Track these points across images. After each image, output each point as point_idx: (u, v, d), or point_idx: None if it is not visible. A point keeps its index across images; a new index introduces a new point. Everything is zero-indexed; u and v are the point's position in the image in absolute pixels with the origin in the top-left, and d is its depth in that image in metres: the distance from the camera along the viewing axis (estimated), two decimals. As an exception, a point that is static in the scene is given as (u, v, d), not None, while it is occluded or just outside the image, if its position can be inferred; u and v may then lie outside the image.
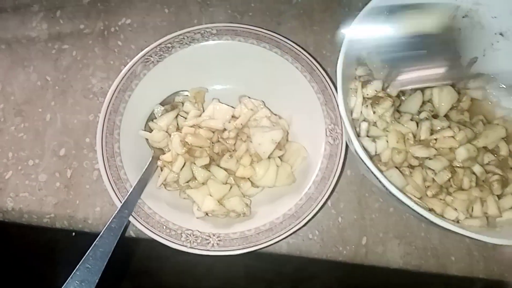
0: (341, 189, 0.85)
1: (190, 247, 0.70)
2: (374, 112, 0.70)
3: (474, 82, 0.85)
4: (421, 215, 0.59)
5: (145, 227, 0.72)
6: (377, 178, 0.62)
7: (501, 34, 0.82)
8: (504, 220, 0.71)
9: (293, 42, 0.86)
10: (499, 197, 0.73)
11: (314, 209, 0.73)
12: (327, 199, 0.74)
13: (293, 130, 0.86)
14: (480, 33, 0.83)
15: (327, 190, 0.74)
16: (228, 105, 0.83)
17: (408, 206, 0.60)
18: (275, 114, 0.85)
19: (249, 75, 0.87)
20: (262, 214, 0.76)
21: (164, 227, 0.72)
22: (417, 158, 0.71)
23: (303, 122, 0.85)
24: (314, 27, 1.00)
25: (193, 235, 0.72)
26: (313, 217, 0.74)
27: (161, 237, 0.71)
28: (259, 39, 0.85)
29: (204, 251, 0.70)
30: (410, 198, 0.65)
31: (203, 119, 0.79)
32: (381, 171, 0.68)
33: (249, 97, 0.85)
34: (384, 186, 0.61)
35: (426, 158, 0.71)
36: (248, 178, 0.79)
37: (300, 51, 0.84)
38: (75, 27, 1.00)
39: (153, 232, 0.72)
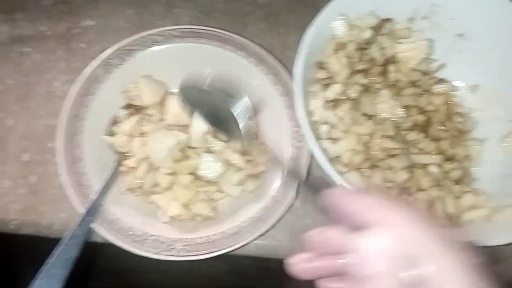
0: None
1: (155, 253, 0.70)
2: (334, 115, 0.71)
3: (438, 85, 0.87)
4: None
5: (109, 234, 0.71)
6: (335, 181, 0.63)
7: (460, 35, 0.84)
8: (467, 220, 0.73)
9: (258, 44, 0.86)
10: (460, 196, 0.75)
11: (280, 211, 0.73)
12: (294, 201, 0.75)
13: (260, 133, 0.86)
14: (440, 34, 0.85)
15: (292, 193, 0.75)
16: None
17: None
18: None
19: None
20: (229, 218, 0.76)
21: (129, 233, 0.72)
22: (382, 154, 0.72)
23: (268, 125, 0.85)
24: (280, 28, 1.00)
25: (159, 240, 0.72)
26: (280, 219, 0.74)
27: (125, 243, 0.70)
28: (223, 41, 0.85)
29: (170, 256, 0.70)
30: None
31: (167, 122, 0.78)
32: (341, 173, 0.70)
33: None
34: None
35: (390, 156, 0.72)
36: (214, 183, 0.79)
37: (265, 54, 0.84)
38: (37, 29, 0.98)
39: (118, 239, 0.71)
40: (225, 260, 0.80)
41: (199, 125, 0.75)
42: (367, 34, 0.77)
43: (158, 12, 1.00)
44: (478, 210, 0.72)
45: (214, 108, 0.72)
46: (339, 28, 0.75)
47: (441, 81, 0.87)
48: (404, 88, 0.81)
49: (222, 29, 0.87)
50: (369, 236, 0.39)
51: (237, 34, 0.96)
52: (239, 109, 0.69)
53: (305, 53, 0.71)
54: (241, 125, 0.69)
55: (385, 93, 0.79)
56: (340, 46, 0.75)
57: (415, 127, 0.80)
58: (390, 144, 0.71)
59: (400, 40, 0.84)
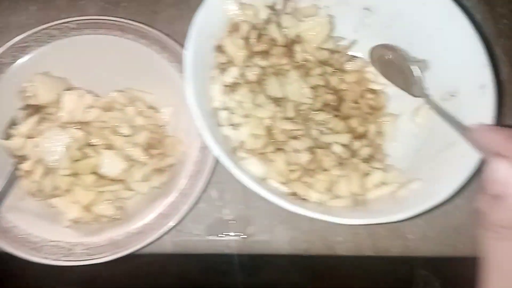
0: (227, 179, 0.83)
1: (54, 260, 0.66)
2: (231, 100, 0.68)
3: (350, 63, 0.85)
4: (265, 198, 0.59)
5: (4, 242, 0.67)
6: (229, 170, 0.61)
7: (367, 9, 0.82)
8: (373, 198, 0.72)
9: (168, 33, 0.82)
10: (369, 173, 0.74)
11: (187, 205, 0.71)
12: (201, 194, 0.72)
13: (171, 124, 0.83)
14: (347, 9, 0.83)
15: (200, 185, 0.72)
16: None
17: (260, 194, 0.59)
18: (151, 108, 0.82)
19: (117, 69, 0.82)
20: (137, 216, 0.73)
21: (25, 240, 0.68)
22: (283, 135, 0.70)
23: (178, 116, 0.82)
24: (192, 14, 0.94)
25: (58, 246, 0.68)
26: (188, 213, 0.71)
27: (21, 251, 0.67)
28: (124, 30, 0.81)
29: (69, 262, 0.67)
30: (266, 187, 0.64)
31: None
32: (242, 159, 0.67)
33: (121, 91, 0.81)
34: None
35: (292, 138, 0.70)
36: (123, 179, 0.75)
37: (168, 41, 0.80)
38: None
39: (13, 247, 0.67)
40: (140, 261, 0.77)
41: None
42: (264, 13, 0.74)
43: (62, 6, 0.95)
44: (385, 187, 0.71)
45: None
46: (232, 8, 0.71)
47: (353, 58, 0.85)
48: (313, 68, 0.79)
49: (123, 18, 0.82)
50: None
51: (146, 23, 0.92)
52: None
53: (196, 37, 0.68)
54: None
55: (292, 74, 0.76)
56: (235, 28, 0.71)
57: (325, 107, 0.78)
58: (289, 125, 0.68)
59: (305, 19, 0.81)
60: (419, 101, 0.80)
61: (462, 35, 0.72)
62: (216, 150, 0.61)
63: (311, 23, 0.78)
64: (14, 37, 0.87)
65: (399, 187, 0.70)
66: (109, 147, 0.74)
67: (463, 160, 0.66)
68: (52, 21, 0.91)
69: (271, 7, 0.75)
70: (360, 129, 0.77)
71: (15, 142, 0.73)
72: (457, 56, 0.74)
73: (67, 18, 0.92)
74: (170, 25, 0.95)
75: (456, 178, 0.64)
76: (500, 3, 0.99)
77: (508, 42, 0.96)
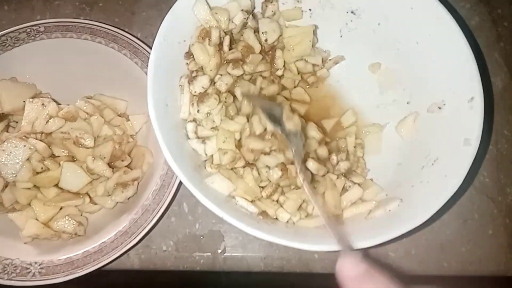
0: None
1: (7, 279, 0.63)
2: (198, 111, 0.64)
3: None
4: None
5: (-44, 261, 0.64)
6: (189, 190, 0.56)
7: (352, 12, 0.77)
8: (349, 217, 0.67)
9: (135, 36, 0.77)
10: (346, 189, 0.69)
11: (150, 222, 0.67)
12: (166, 210, 0.68)
13: (142, 132, 0.79)
14: (332, 12, 0.78)
15: (165, 200, 0.68)
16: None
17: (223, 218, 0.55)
18: (120, 115, 0.78)
19: (88, 74, 0.78)
20: (99, 233, 0.69)
21: (-21, 258, 0.65)
22: (252, 153, 0.65)
23: (150, 124, 0.77)
24: (172, 15, 0.91)
25: (12, 264, 0.65)
26: (150, 231, 0.67)
27: (-26, 270, 0.63)
28: (94, 33, 0.77)
29: (23, 281, 0.63)
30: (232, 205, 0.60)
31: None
32: (209, 175, 0.63)
33: (88, 98, 0.77)
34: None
35: (262, 154, 0.65)
36: (87, 194, 0.71)
37: (139, 45, 0.76)
38: None
39: (-35, 265, 0.64)
40: (105, 278, 0.73)
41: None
42: (239, 18, 0.69)
43: (37, 6, 0.91)
44: (362, 205, 0.66)
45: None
46: (200, 12, 0.66)
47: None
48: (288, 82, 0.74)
49: (95, 21, 0.78)
50: None
51: (123, 24, 0.89)
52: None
53: (162, 43, 0.64)
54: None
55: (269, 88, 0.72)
56: (206, 34, 0.67)
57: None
58: (255, 144, 0.63)
59: (287, 23, 0.76)
60: (406, 109, 0.75)
61: (451, 43, 0.67)
62: (175, 168, 0.57)
63: (295, 31, 0.73)
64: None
65: (376, 206, 0.65)
66: (72, 159, 0.70)
67: (445, 180, 0.61)
68: (25, 22, 0.88)
69: (248, 11, 0.69)
70: (341, 143, 0.72)
71: (-24, 152, 0.70)
72: (445, 65, 0.68)
73: (41, 19, 0.89)
74: (148, 26, 0.91)
75: (436, 200, 0.59)
76: (501, 4, 0.92)
77: (507, 47, 0.89)
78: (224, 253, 0.76)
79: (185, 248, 0.76)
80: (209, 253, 0.76)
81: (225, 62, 0.68)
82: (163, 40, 0.63)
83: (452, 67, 0.67)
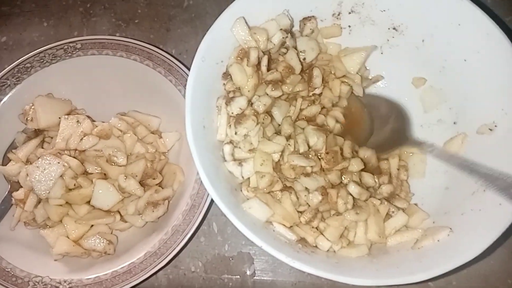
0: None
1: (37, 298, 0.62)
2: (236, 133, 0.61)
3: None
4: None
5: (-12, 277, 0.63)
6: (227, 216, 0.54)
7: (394, 29, 0.73)
8: (394, 245, 0.63)
9: (169, 53, 0.77)
10: (390, 215, 0.65)
11: (179, 243, 0.65)
12: (196, 230, 0.66)
13: (174, 150, 0.77)
14: (373, 29, 0.75)
15: (196, 220, 0.66)
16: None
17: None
18: (153, 132, 0.77)
19: (122, 91, 0.78)
20: (129, 252, 0.67)
21: (10, 274, 0.64)
22: (293, 171, 0.62)
23: (181, 142, 0.76)
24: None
25: (42, 282, 0.64)
26: (180, 251, 0.65)
27: (4, 286, 0.63)
28: (129, 51, 0.77)
29: (52, 301, 0.62)
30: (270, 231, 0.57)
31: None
32: (246, 199, 0.61)
33: (122, 115, 0.77)
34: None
35: (302, 174, 0.62)
36: (118, 211, 0.70)
37: (174, 63, 0.75)
38: None
39: (-3, 282, 0.63)
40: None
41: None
42: (277, 37, 0.67)
43: (75, 23, 0.93)
44: (407, 233, 0.61)
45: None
46: (239, 33, 0.65)
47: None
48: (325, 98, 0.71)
49: (130, 38, 0.78)
50: None
51: (158, 41, 0.89)
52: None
53: (201, 64, 0.62)
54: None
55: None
56: (244, 54, 0.65)
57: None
58: (299, 161, 0.60)
59: (327, 41, 0.74)
60: (453, 130, 0.70)
61: (502, 60, 0.62)
62: (213, 192, 0.54)
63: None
64: (24, 54, 0.86)
65: (424, 235, 0.60)
66: (104, 176, 0.69)
67: (499, 208, 0.56)
68: (64, 38, 0.89)
69: (287, 30, 0.67)
70: (383, 165, 0.68)
71: (11, 168, 0.70)
72: (496, 84, 0.63)
73: (78, 35, 0.91)
74: (183, 43, 0.90)
75: (491, 231, 0.54)
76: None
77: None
78: (254, 276, 0.73)
79: (214, 269, 0.73)
80: (238, 276, 0.73)
81: (262, 82, 0.66)
82: (201, 62, 0.61)
83: (504, 86, 0.62)
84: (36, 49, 0.85)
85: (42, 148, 0.74)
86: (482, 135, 0.65)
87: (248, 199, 0.61)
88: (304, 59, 0.70)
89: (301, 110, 0.68)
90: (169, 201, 0.70)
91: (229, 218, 0.53)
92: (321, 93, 0.70)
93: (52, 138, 0.75)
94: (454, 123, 0.71)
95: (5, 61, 0.90)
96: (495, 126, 0.63)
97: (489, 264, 0.72)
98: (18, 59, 0.86)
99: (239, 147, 0.63)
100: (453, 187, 0.67)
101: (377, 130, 0.72)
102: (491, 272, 0.72)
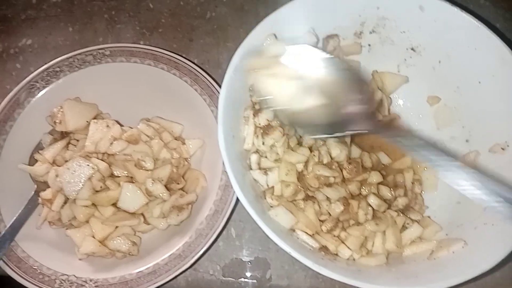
0: (247, 218, 0.77)
1: (63, 295, 0.64)
2: (263, 143, 0.64)
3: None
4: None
5: (15, 273, 0.65)
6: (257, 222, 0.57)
7: (413, 49, 0.77)
8: (410, 255, 0.65)
9: (194, 63, 0.79)
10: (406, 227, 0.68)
11: (203, 247, 0.67)
12: (219, 235, 0.68)
13: (196, 156, 0.80)
14: (392, 48, 0.78)
15: (219, 225, 0.68)
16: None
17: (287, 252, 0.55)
18: (177, 139, 0.79)
19: (147, 97, 0.81)
20: (152, 254, 0.69)
21: (37, 272, 0.66)
22: (317, 181, 0.65)
23: (204, 148, 0.79)
24: (228, 43, 0.94)
25: (68, 280, 0.66)
26: (203, 254, 0.68)
27: (32, 283, 0.65)
28: (156, 60, 0.79)
29: (78, 299, 0.64)
30: (295, 238, 0.60)
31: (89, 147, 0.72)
32: (271, 207, 0.63)
33: (147, 120, 0.79)
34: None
35: (324, 185, 0.65)
36: (142, 214, 0.72)
37: (200, 73, 0.78)
38: (-27, 50, 0.93)
39: (24, 278, 0.65)
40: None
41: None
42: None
43: (100, 29, 0.95)
44: (422, 244, 0.64)
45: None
46: (272, 48, 0.68)
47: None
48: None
49: (157, 47, 0.81)
50: None
51: (181, 50, 0.91)
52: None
53: (231, 76, 0.65)
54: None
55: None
56: (274, 68, 0.68)
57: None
58: (324, 171, 0.63)
59: (347, 58, 0.77)
60: (465, 147, 0.74)
61: (517, 84, 0.66)
62: (243, 199, 0.57)
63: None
64: (49, 58, 0.88)
65: (439, 246, 0.63)
66: (130, 180, 0.71)
67: (512, 224, 0.59)
68: (88, 43, 0.92)
69: (312, 46, 0.70)
70: (398, 178, 0.71)
71: (38, 169, 0.72)
72: (509, 105, 0.67)
73: (103, 41, 0.93)
74: (205, 53, 0.93)
75: (504, 245, 0.57)
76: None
77: None
78: (270, 281, 0.75)
79: (232, 273, 0.76)
80: (255, 281, 0.75)
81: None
82: (234, 74, 0.64)
83: (517, 107, 0.66)
84: (60, 53, 0.87)
85: (68, 150, 0.76)
86: (494, 154, 0.69)
87: (271, 206, 0.64)
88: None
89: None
90: (192, 206, 0.73)
91: (259, 225, 0.56)
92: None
93: (77, 140, 0.77)
94: (467, 140, 0.74)
95: (30, 63, 0.92)
96: (507, 145, 0.67)
97: (494, 277, 0.75)
98: (43, 62, 0.89)
99: (266, 157, 0.66)
100: (465, 202, 0.70)
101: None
102: (496, 286, 0.74)
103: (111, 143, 0.70)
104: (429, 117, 0.79)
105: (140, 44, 0.85)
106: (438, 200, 0.73)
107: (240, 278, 0.75)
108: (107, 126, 0.72)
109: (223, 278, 0.75)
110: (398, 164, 0.75)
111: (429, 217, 0.71)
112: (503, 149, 0.67)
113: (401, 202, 0.68)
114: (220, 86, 0.76)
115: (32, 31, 0.95)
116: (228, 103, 0.64)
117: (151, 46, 0.80)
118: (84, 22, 0.96)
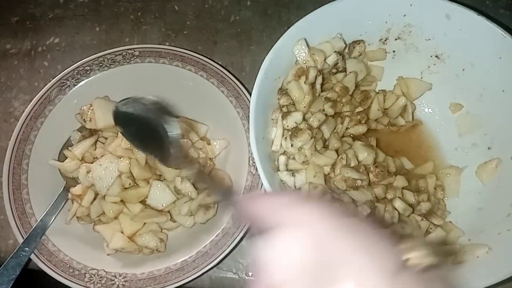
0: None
1: (94, 289, 0.65)
2: (292, 145, 0.66)
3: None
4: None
5: (47, 266, 0.67)
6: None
7: (437, 56, 0.78)
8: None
9: (220, 64, 0.81)
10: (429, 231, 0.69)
11: (229, 245, 0.68)
12: (245, 234, 0.70)
13: (221, 157, 0.81)
14: (416, 55, 0.80)
15: (245, 225, 0.69)
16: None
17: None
18: (202, 139, 0.81)
19: (174, 98, 0.81)
20: (178, 251, 0.71)
21: (68, 266, 0.68)
22: (345, 183, 0.66)
23: (229, 149, 0.80)
24: (252, 46, 0.95)
25: (98, 275, 0.67)
26: (229, 253, 0.69)
27: (63, 277, 0.66)
28: (184, 61, 0.81)
29: (109, 293, 0.65)
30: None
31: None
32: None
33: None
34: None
35: (351, 188, 0.66)
36: (168, 212, 0.74)
37: (226, 75, 0.80)
38: (1, 47, 0.96)
39: (55, 272, 0.67)
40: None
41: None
42: (332, 59, 0.71)
43: (126, 29, 0.97)
44: (445, 249, 0.65)
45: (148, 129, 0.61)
46: (300, 53, 0.69)
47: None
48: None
49: (185, 49, 0.82)
50: (268, 240, 0.32)
51: (205, 52, 0.93)
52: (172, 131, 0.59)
53: (262, 79, 0.67)
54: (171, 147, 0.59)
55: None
56: (302, 72, 0.69)
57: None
58: (352, 173, 0.65)
59: (371, 63, 0.79)
60: (487, 154, 0.75)
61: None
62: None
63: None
64: (76, 56, 0.90)
65: (462, 251, 0.64)
66: (159, 178, 0.73)
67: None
68: (115, 43, 0.94)
69: (340, 52, 0.72)
70: (421, 183, 0.72)
71: (68, 165, 0.74)
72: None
73: (129, 41, 0.95)
74: (229, 56, 0.95)
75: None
76: None
77: None
78: (292, 282, 0.76)
79: (254, 273, 0.77)
80: (278, 281, 0.76)
81: (316, 99, 0.71)
82: (265, 78, 0.65)
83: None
84: (87, 52, 0.90)
85: (96, 148, 0.78)
86: (519, 164, 0.70)
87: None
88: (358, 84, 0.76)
89: (347, 128, 0.74)
90: (218, 205, 0.74)
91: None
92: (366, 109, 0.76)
93: (106, 138, 0.79)
94: (489, 148, 0.75)
95: (57, 61, 0.94)
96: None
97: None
98: (70, 60, 0.92)
99: (294, 159, 0.67)
100: (487, 208, 0.71)
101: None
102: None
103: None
104: (451, 124, 0.80)
105: (165, 45, 0.87)
106: (460, 205, 0.74)
107: (263, 277, 0.76)
108: (138, 124, 0.73)
109: (246, 277, 0.76)
110: (421, 169, 0.76)
111: (451, 222, 0.71)
112: (525, 157, 0.68)
113: (424, 207, 0.70)
114: (246, 88, 0.78)
115: (60, 30, 0.97)
116: (258, 106, 0.65)
117: (180, 47, 0.82)
118: (110, 23, 0.98)
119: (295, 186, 0.67)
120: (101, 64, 0.80)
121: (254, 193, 0.41)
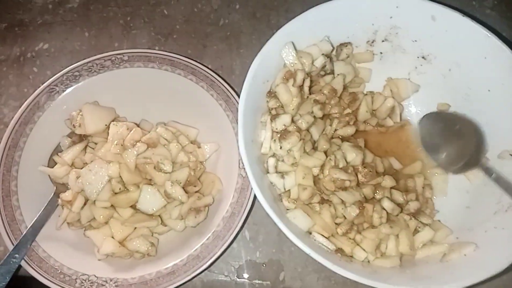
0: (261, 221, 0.81)
1: (84, 294, 0.65)
2: (281, 147, 0.66)
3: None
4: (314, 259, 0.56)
5: (38, 272, 0.67)
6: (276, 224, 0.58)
7: (423, 57, 0.79)
8: (422, 258, 0.67)
9: (216, 67, 0.81)
10: (417, 230, 0.70)
11: (220, 248, 0.69)
12: (235, 237, 0.70)
13: (211, 160, 0.82)
14: (403, 57, 0.81)
15: (235, 227, 0.70)
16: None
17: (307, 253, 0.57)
18: (192, 143, 0.81)
19: (164, 102, 0.83)
20: (169, 254, 0.71)
21: (59, 271, 0.68)
22: (334, 184, 0.67)
23: (219, 152, 0.81)
24: (241, 50, 0.96)
25: (89, 280, 0.67)
26: (219, 256, 0.69)
27: (53, 283, 0.66)
28: (174, 65, 0.81)
29: (99, 298, 0.65)
30: (313, 239, 0.62)
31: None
32: (287, 209, 0.65)
33: (165, 124, 0.81)
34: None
35: (340, 188, 0.67)
36: (159, 216, 0.74)
37: (216, 78, 0.80)
38: (-10, 54, 0.95)
39: (46, 278, 0.67)
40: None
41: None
42: (320, 61, 0.72)
43: (116, 34, 0.97)
44: (434, 247, 0.66)
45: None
46: (288, 56, 0.70)
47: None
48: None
49: (174, 53, 0.83)
50: None
51: (195, 56, 0.93)
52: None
53: (251, 83, 0.67)
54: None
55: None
56: (290, 75, 0.70)
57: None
58: (342, 175, 0.65)
59: (359, 65, 0.80)
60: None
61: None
62: (263, 202, 0.59)
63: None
64: (66, 62, 0.90)
65: (450, 249, 0.65)
66: (149, 182, 0.73)
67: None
68: (104, 48, 0.94)
69: (328, 55, 0.73)
70: (410, 183, 0.73)
71: (58, 171, 0.74)
72: (518, 113, 0.69)
73: (118, 46, 0.95)
74: (218, 59, 0.95)
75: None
76: None
77: None
78: (283, 283, 0.77)
79: (245, 275, 0.77)
80: (269, 282, 0.77)
81: (304, 101, 0.71)
82: (252, 81, 0.66)
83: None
84: (77, 57, 0.90)
85: (86, 153, 0.78)
86: (503, 160, 0.71)
87: (288, 209, 0.66)
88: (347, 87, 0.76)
89: (335, 130, 0.74)
90: (208, 208, 0.74)
91: (279, 226, 0.58)
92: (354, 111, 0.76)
93: (95, 143, 0.79)
94: (475, 147, 0.76)
95: (46, 67, 0.94)
96: (516, 151, 0.69)
97: (501, 280, 0.76)
98: (59, 66, 0.91)
99: (283, 161, 0.68)
100: (474, 206, 0.72)
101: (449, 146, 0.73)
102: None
103: (134, 145, 0.72)
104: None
105: (155, 49, 0.87)
106: (448, 204, 0.75)
107: (254, 279, 0.77)
108: (127, 129, 0.73)
109: (238, 280, 0.77)
110: (409, 169, 0.77)
111: (439, 221, 0.72)
112: (511, 155, 0.69)
113: (412, 206, 0.70)
114: (235, 92, 0.79)
115: (49, 35, 0.97)
116: (247, 109, 0.66)
117: (168, 52, 0.82)
118: (99, 28, 0.98)
119: (284, 188, 0.67)
120: (90, 70, 0.80)
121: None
